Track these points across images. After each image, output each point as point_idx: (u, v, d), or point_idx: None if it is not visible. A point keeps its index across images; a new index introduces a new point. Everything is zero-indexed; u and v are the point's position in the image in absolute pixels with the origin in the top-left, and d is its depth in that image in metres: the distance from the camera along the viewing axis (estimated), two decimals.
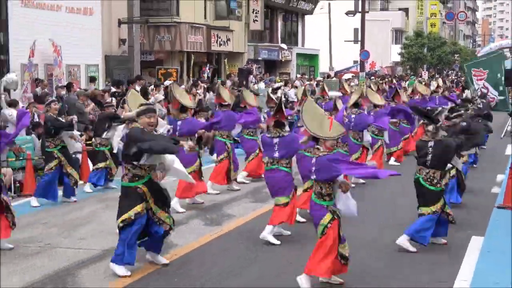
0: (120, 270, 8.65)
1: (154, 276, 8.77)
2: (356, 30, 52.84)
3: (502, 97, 28.11)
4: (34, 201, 13.14)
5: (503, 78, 28.07)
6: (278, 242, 10.21)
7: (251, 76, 32.42)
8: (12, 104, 16.19)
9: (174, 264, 9.21)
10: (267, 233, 10.28)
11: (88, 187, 14.60)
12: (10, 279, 8.60)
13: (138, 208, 8.70)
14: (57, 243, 10.42)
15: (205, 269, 9.03)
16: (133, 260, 8.75)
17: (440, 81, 30.06)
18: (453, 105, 14.38)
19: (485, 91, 26.69)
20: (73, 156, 14.86)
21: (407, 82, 33.49)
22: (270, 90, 19.34)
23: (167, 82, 25.03)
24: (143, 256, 9.21)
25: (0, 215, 9.98)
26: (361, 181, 14.81)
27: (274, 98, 15.77)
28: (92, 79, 24.53)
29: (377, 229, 11.13)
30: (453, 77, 62.24)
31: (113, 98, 18.82)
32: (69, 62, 24.86)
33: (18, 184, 14.38)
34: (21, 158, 14.54)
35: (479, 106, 18.28)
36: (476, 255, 9.84)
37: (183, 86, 23.48)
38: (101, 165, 14.55)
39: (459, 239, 10.60)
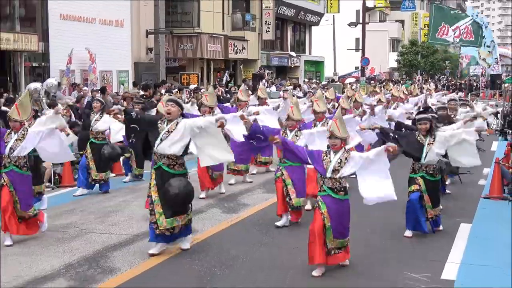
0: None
1: (177, 258, 8.78)
2: (357, 39, 52.79)
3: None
4: (78, 191, 13.18)
5: (455, 11, 27.61)
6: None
7: (264, 80, 32.46)
8: (52, 105, 16.23)
9: (195, 248, 9.21)
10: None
11: (127, 177, 14.78)
12: (50, 260, 8.64)
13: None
14: (92, 228, 10.45)
15: (223, 253, 9.03)
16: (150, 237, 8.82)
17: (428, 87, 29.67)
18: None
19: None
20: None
21: (403, 85, 33.30)
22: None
23: (192, 86, 25.10)
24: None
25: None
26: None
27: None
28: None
29: (375, 216, 11.09)
30: (444, 81, 62.01)
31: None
32: (103, 68, 25.03)
33: (57, 177, 14.44)
34: None
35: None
36: (465, 240, 9.81)
37: (203, 90, 23.50)
38: (127, 155, 14.67)
39: (450, 226, 10.56)
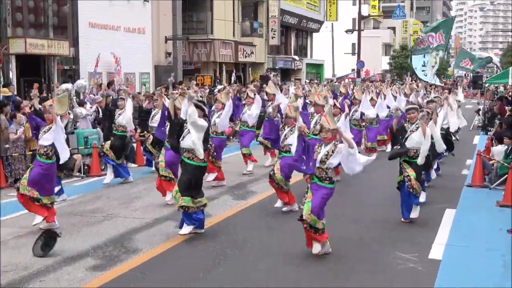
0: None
1: (193, 240, 8.77)
2: (353, 44, 52.62)
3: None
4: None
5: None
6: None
7: (270, 82, 32.31)
8: (81, 104, 16.26)
9: (209, 231, 9.20)
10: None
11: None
12: (79, 242, 8.66)
13: None
14: (117, 213, 10.46)
15: (234, 235, 9.03)
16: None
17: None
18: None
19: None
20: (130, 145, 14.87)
21: (395, 85, 33.03)
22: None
23: (219, 87, 25.00)
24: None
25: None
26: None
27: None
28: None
29: (372, 208, 11.06)
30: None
31: None
32: (126, 70, 25.02)
33: (86, 167, 14.45)
34: (89, 146, 14.62)
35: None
36: (450, 224, 9.78)
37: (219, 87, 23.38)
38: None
39: (436, 211, 10.53)
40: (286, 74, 43.96)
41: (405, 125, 9.84)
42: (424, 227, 9.52)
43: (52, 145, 9.32)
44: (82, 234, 9.13)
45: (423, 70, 27.85)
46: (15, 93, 17.08)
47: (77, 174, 14.16)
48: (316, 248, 7.91)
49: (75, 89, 17.50)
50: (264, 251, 8.30)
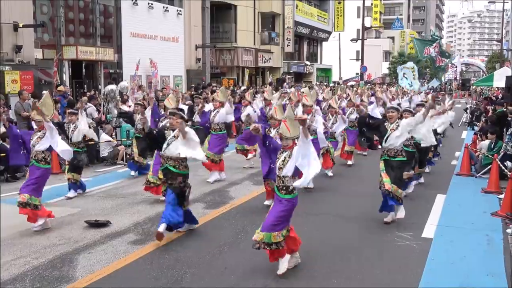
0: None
1: (220, 218, 8.81)
2: (357, 51, 52.31)
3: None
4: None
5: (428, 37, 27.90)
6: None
7: (285, 83, 32.29)
8: (124, 102, 16.32)
9: (232, 212, 9.24)
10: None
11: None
12: (123, 219, 8.74)
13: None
14: (154, 195, 10.47)
15: (254, 214, 9.00)
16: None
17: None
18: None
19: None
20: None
21: (394, 88, 32.76)
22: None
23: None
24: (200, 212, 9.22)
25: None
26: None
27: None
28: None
29: (369, 198, 10.99)
30: (425, 84, 61.14)
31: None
32: (162, 73, 25.16)
33: (128, 156, 14.47)
34: (130, 138, 14.65)
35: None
36: (440, 207, 9.71)
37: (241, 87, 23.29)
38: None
39: (428, 196, 10.45)
40: (299, 77, 43.89)
41: (386, 124, 8.67)
42: (418, 210, 9.45)
43: (50, 149, 8.33)
44: (125, 213, 9.20)
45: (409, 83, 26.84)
46: (69, 92, 17.26)
47: (121, 162, 14.25)
48: (283, 266, 6.33)
49: (119, 89, 17.59)
50: None
